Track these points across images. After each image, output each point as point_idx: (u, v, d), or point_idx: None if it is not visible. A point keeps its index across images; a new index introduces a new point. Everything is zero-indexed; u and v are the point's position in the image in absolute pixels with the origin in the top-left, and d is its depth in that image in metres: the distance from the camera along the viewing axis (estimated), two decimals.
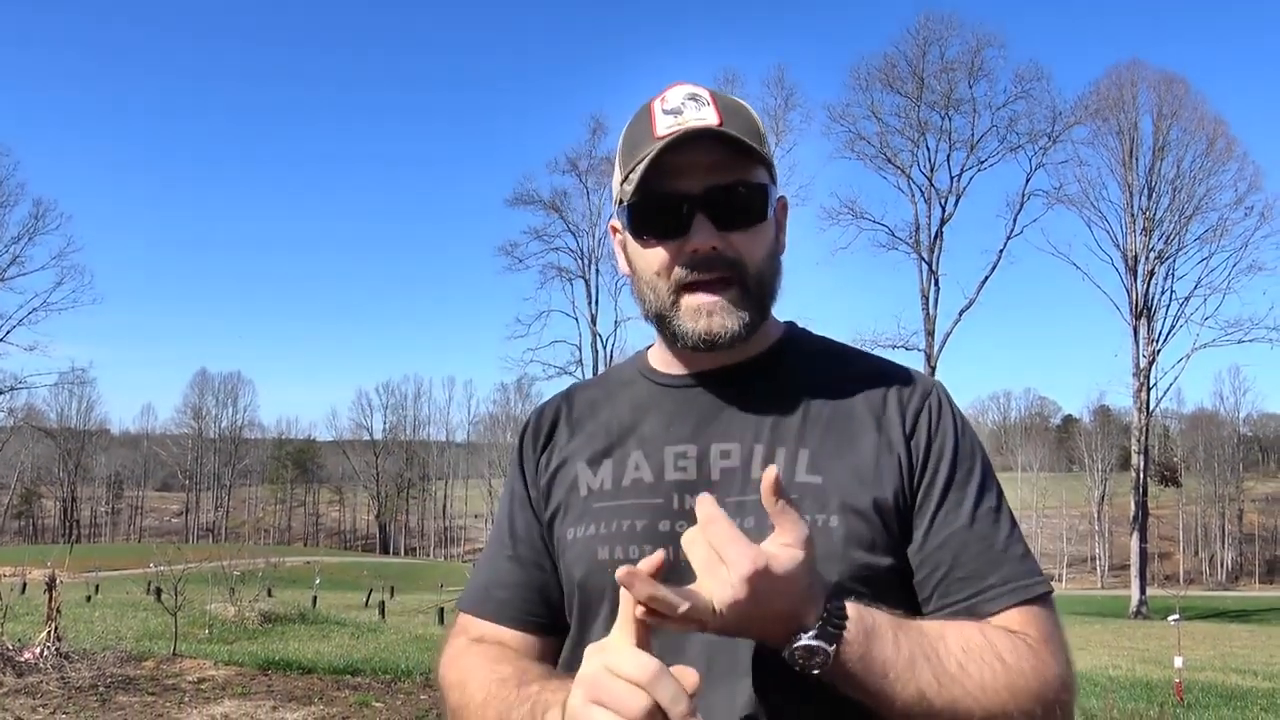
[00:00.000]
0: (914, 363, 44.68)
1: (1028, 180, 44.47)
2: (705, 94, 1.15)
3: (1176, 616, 11.97)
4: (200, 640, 12.10)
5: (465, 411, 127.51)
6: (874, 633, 0.96)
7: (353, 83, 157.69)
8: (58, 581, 10.23)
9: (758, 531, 0.97)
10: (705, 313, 1.13)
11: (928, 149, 45.80)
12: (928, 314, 44.67)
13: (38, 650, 8.91)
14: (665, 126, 1.12)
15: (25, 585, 24.60)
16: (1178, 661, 10.10)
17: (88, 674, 8.34)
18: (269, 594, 18.54)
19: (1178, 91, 43.97)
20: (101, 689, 7.93)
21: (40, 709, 7.14)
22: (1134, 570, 43.11)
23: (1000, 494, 1.16)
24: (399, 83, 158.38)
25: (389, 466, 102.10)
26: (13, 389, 65.09)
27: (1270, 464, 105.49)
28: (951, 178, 45.42)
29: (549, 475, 1.25)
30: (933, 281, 44.75)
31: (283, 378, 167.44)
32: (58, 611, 9.64)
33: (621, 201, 1.17)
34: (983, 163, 45.24)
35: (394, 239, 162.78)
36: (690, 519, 0.98)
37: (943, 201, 45.38)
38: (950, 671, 0.98)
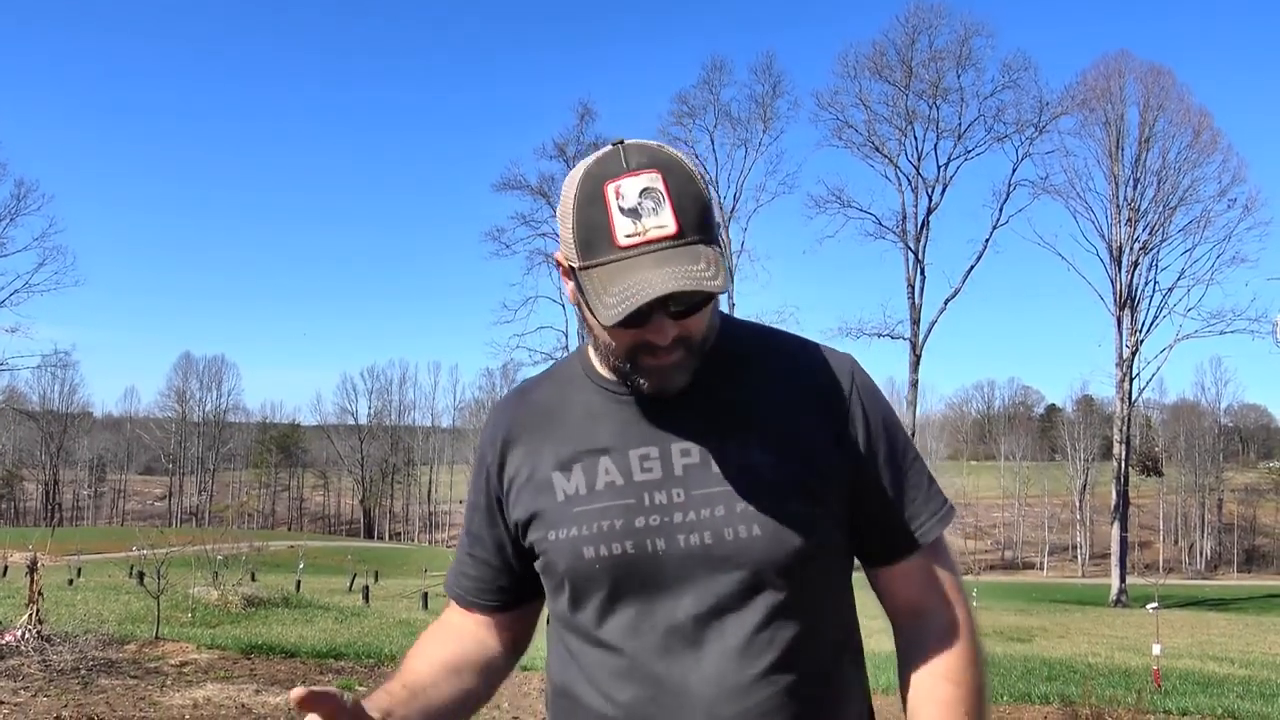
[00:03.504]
0: (901, 351, 44.84)
1: (1014, 170, 44.65)
2: (659, 185, 1.14)
3: (1155, 605, 12.08)
4: (183, 624, 12.08)
5: (451, 397, 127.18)
6: None
7: (339, 66, 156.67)
8: (39, 565, 10.19)
9: (725, 520, 1.20)
10: (659, 375, 1.22)
11: (915, 138, 45.88)
12: (913, 303, 44.83)
13: (19, 633, 8.88)
14: (624, 233, 1.14)
15: (6, 568, 24.51)
16: (1156, 649, 10.21)
17: (69, 657, 8.31)
18: (252, 578, 18.52)
19: (1164, 83, 44.19)
20: (83, 672, 7.91)
21: (21, 691, 7.12)
22: (1114, 559, 43.52)
23: (915, 450, 1.35)
24: (385, 67, 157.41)
25: (374, 451, 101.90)
26: None
27: (1250, 455, 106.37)
28: (938, 167, 45.54)
29: (517, 482, 1.34)
30: (919, 270, 44.90)
31: (267, 362, 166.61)
32: (39, 594, 9.60)
33: (572, 267, 1.22)
34: (969, 152, 45.38)
35: (380, 224, 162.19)
36: (662, 513, 1.21)
37: (929, 191, 45.50)
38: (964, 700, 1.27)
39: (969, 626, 1.32)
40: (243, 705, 6.94)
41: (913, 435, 47.10)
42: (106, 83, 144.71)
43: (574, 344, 57.59)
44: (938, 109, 45.21)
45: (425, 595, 21.12)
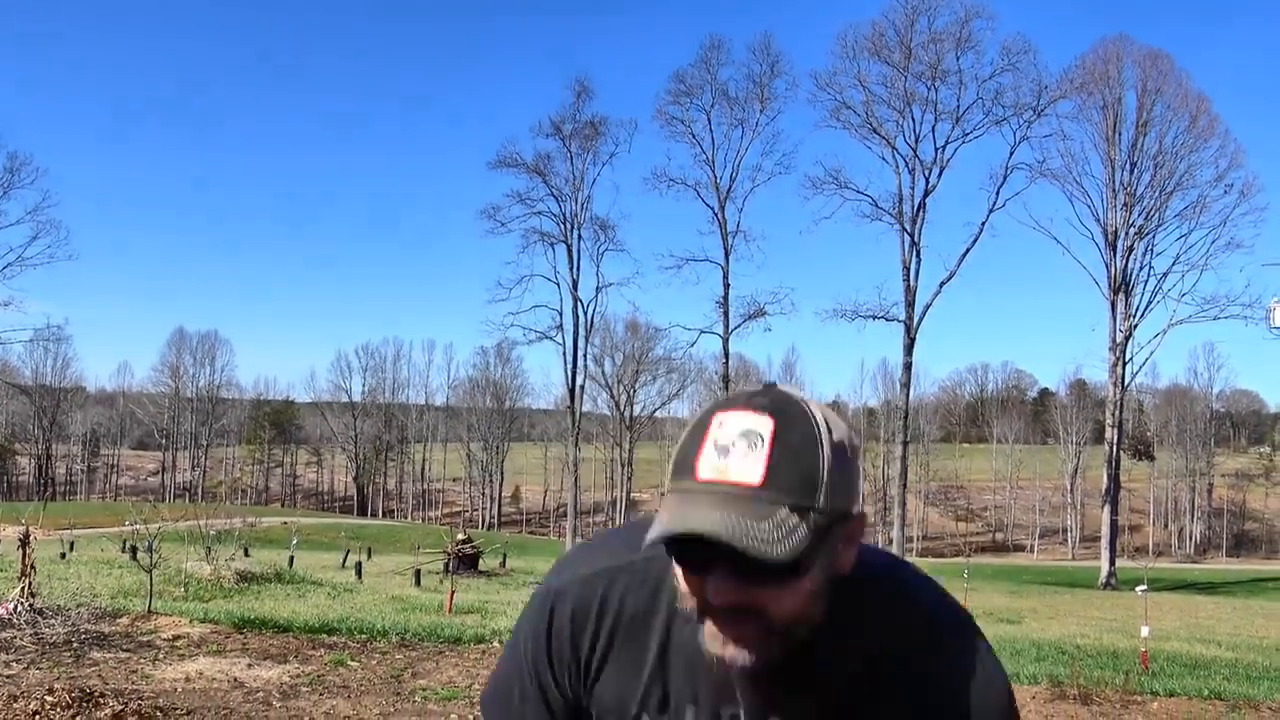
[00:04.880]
0: (895, 333, 44.79)
1: (1011, 153, 44.48)
2: (766, 432, 1.03)
3: (1144, 588, 12.15)
4: (176, 598, 12.10)
5: (445, 375, 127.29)
6: None
7: (332, 38, 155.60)
8: (32, 538, 10.20)
9: None
10: (720, 643, 1.07)
11: (913, 120, 45.68)
12: (909, 285, 44.79)
13: (11, 606, 8.90)
14: (706, 467, 1.03)
15: None
16: (1144, 631, 10.27)
17: (62, 630, 8.33)
18: (245, 553, 18.56)
19: (1162, 67, 44.05)
20: (76, 645, 7.93)
21: (14, 664, 7.13)
22: (1104, 542, 43.74)
23: None
24: (380, 42, 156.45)
25: (367, 429, 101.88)
26: None
27: (1241, 440, 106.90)
28: (936, 149, 45.37)
29: (597, 699, 1.23)
30: (914, 253, 44.83)
31: (261, 338, 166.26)
32: (32, 568, 9.62)
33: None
34: (967, 135, 45.19)
35: (375, 201, 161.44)
36: None
37: (926, 173, 45.36)
38: None
39: None
40: (235, 679, 6.95)
41: (906, 417, 47.42)
42: (100, 59, 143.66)
43: (569, 322, 57.57)
44: (936, 91, 45.04)
45: (418, 572, 21.17)
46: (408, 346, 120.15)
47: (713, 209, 55.69)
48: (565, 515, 64.63)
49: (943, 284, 44.73)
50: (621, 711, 1.20)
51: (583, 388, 61.77)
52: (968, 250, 44.40)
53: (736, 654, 1.06)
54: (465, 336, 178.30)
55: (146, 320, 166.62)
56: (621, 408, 74.56)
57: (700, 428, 1.06)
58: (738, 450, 1.02)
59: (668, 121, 56.92)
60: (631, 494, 78.82)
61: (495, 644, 8.68)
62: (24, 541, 10.12)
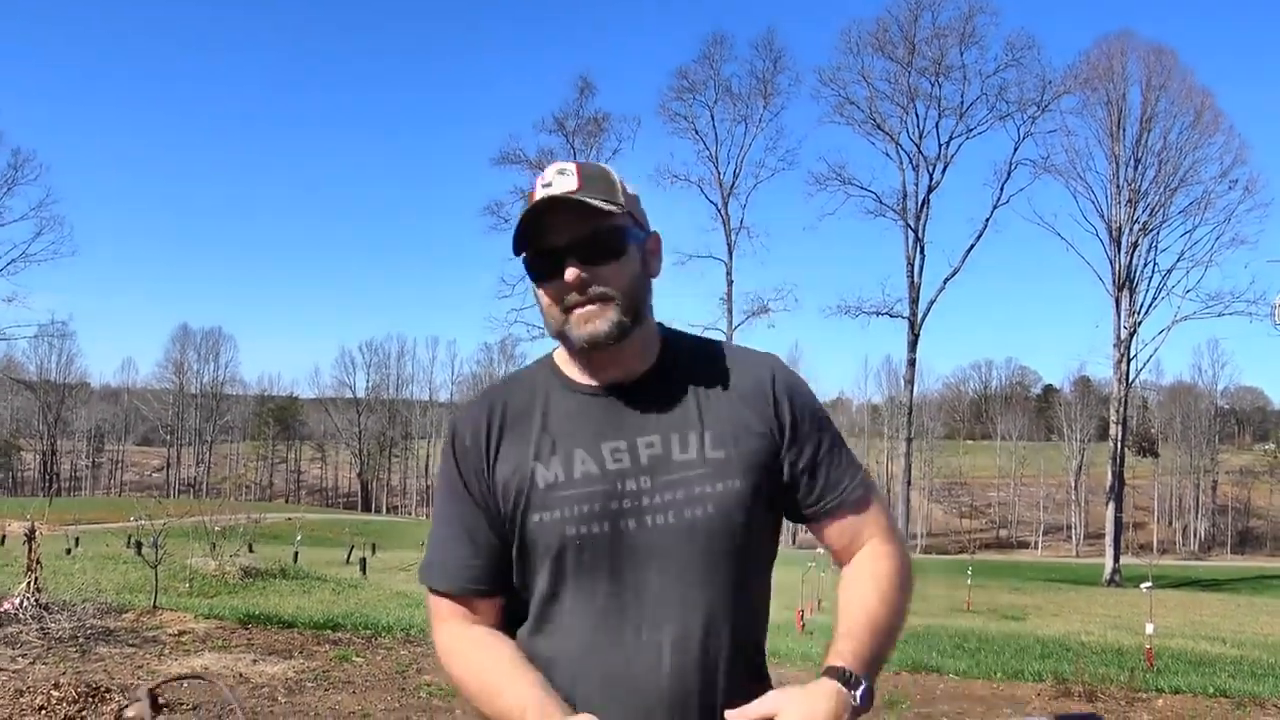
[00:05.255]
0: (899, 330, 44.79)
1: (1015, 149, 44.52)
2: (572, 167, 1.46)
3: (1149, 585, 12.13)
4: (181, 594, 12.13)
5: (449, 371, 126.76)
6: (871, 666, 1.45)
7: (335, 37, 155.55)
8: (37, 533, 10.21)
9: (685, 501, 1.44)
10: (584, 320, 1.46)
11: (917, 115, 45.71)
12: (912, 281, 44.79)
13: (17, 601, 8.91)
14: (540, 190, 1.46)
15: (4, 538, 24.56)
16: (1149, 628, 10.25)
17: (68, 625, 8.34)
18: (250, 549, 18.57)
19: (1167, 63, 43.99)
20: (81, 640, 7.94)
21: (20, 659, 7.15)
22: (1109, 539, 43.69)
23: (835, 430, 1.61)
24: (384, 39, 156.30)
25: (371, 425, 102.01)
26: None
27: (1245, 437, 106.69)
28: (940, 145, 45.39)
29: (505, 477, 1.50)
30: (918, 249, 44.85)
31: (265, 334, 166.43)
32: (37, 563, 9.63)
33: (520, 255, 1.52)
34: (971, 130, 45.22)
35: (378, 197, 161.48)
36: (632, 498, 1.45)
37: (930, 169, 45.38)
38: (888, 627, 1.51)
39: (901, 557, 1.59)
40: (240, 674, 6.97)
41: (910, 414, 47.35)
42: (104, 55, 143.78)
43: None
44: (940, 86, 45.04)
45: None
46: (411, 343, 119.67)
47: (716, 205, 55.64)
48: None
49: (946, 280, 44.77)
50: (520, 469, 1.49)
51: None
52: (971, 246, 44.45)
53: (598, 326, 1.45)
54: (469, 333, 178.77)
55: (151, 316, 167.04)
56: None
57: (530, 192, 1.50)
58: (556, 181, 1.46)
59: (671, 117, 56.90)
60: None
61: None
62: (30, 537, 10.12)
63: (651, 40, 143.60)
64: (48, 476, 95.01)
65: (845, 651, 1.44)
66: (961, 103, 44.77)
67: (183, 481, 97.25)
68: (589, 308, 1.45)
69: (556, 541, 1.45)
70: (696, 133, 55.98)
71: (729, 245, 54.59)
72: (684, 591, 1.44)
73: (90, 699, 5.73)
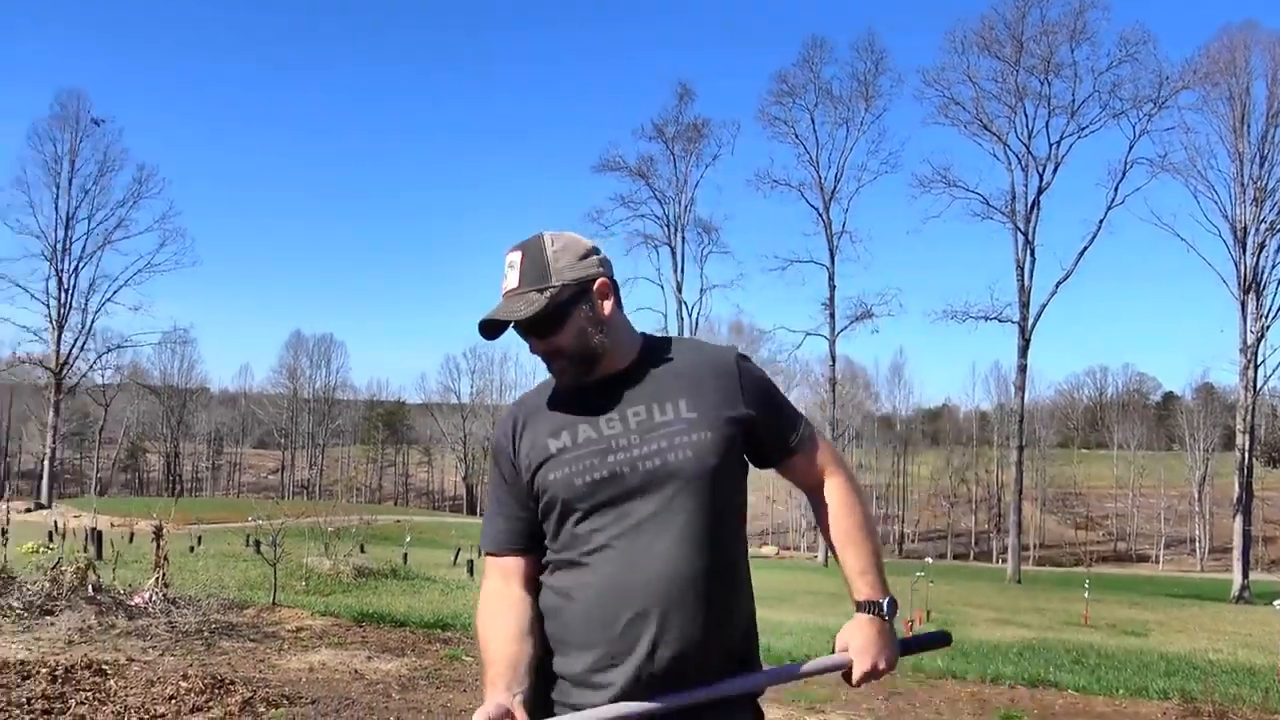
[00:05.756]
0: (1008, 335, 43.48)
1: (1131, 148, 42.82)
2: (516, 260, 1.92)
3: None
4: (297, 591, 12.49)
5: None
6: (874, 590, 1.96)
7: (438, 46, 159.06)
8: (165, 532, 10.65)
9: (667, 449, 1.84)
10: (557, 374, 1.96)
11: (1025, 115, 44.35)
12: (1022, 285, 43.49)
13: (147, 595, 9.30)
14: (502, 285, 1.94)
15: (133, 535, 25.73)
16: None
17: (193, 619, 8.67)
18: (361, 550, 19.04)
19: None
20: (206, 634, 8.25)
21: (150, 650, 7.46)
22: (1236, 553, 41.56)
23: (782, 394, 2.07)
24: (487, 50, 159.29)
25: (475, 429, 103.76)
26: (119, 347, 67.74)
27: None
28: (1050, 145, 43.96)
29: (525, 450, 1.94)
30: (1028, 252, 43.53)
31: (373, 341, 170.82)
32: (165, 559, 10.04)
33: None
34: (1083, 129, 43.66)
35: (481, 205, 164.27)
36: (624, 450, 1.85)
37: (1040, 169, 43.98)
38: (875, 546, 2.02)
39: (848, 479, 2.07)
40: (355, 670, 7.13)
41: (1021, 422, 46.00)
42: (220, 67, 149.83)
43: (673, 326, 57.62)
44: (1050, 85, 43.64)
45: None
46: (515, 349, 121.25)
47: (817, 210, 55.07)
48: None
49: (1059, 284, 43.33)
50: (536, 443, 1.93)
51: None
52: (1085, 248, 42.94)
53: (564, 379, 1.94)
54: None
55: (266, 324, 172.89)
56: None
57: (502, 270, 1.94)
58: (508, 274, 1.92)
59: (770, 122, 56.52)
60: None
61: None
62: (157, 534, 10.57)
63: (751, 43, 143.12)
64: (171, 477, 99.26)
65: (863, 586, 1.95)
66: (1073, 101, 43.32)
67: (297, 483, 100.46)
68: (555, 365, 1.94)
69: (565, 489, 1.86)
70: (796, 137, 55.46)
71: (831, 250, 53.93)
72: (671, 517, 1.82)
73: (216, 690, 5.93)
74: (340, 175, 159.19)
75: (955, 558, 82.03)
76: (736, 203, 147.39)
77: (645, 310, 58.54)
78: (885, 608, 1.92)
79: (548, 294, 1.87)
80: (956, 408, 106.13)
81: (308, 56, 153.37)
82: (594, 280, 1.92)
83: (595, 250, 1.95)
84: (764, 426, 1.98)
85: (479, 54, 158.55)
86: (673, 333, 57.54)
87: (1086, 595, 21.10)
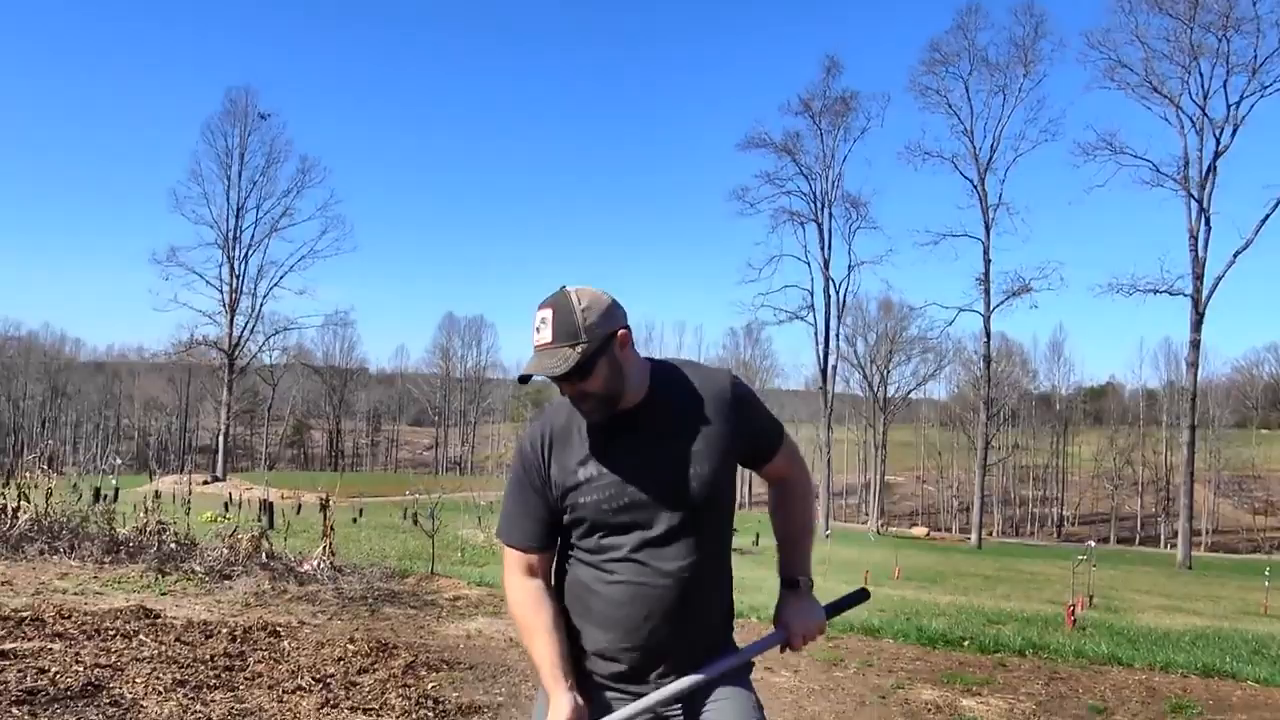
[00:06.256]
0: (1180, 309, 41.36)
1: None
2: (549, 318, 2.13)
3: None
4: (454, 562, 12.92)
5: (695, 355, 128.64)
6: (804, 572, 2.42)
7: (579, 27, 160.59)
8: (330, 504, 11.16)
9: (675, 481, 2.19)
10: (586, 412, 2.20)
11: (1200, 75, 41.81)
12: (1196, 256, 41.05)
13: (315, 563, 9.77)
14: (533, 338, 2.16)
15: (300, 506, 27.13)
16: None
17: (358, 586, 9.06)
18: None
19: None
20: (370, 600, 8.60)
21: (319, 614, 7.82)
22: None
23: (765, 410, 2.37)
24: (631, 29, 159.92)
25: None
26: (285, 329, 71.67)
27: None
28: (1228, 106, 41.32)
29: (555, 472, 2.24)
30: (1203, 220, 41.04)
31: (522, 321, 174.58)
32: (331, 530, 10.52)
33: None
34: (1266, 88, 40.83)
35: (624, 185, 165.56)
36: (641, 481, 2.19)
37: (1217, 132, 41.38)
38: (811, 530, 2.51)
39: (805, 479, 2.51)
40: (510, 639, 7.29)
41: (1193, 400, 43.55)
42: (372, 63, 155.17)
43: (819, 303, 56.86)
44: (1228, 42, 40.95)
45: None
46: (659, 328, 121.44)
47: (972, 181, 53.34)
48: (818, 496, 63.99)
49: (1237, 254, 40.74)
50: (566, 470, 2.22)
51: (834, 368, 60.92)
52: (1267, 216, 40.17)
53: (592, 417, 2.20)
54: (715, 318, 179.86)
55: (420, 306, 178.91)
56: (875, 388, 72.80)
57: (532, 323, 2.16)
58: (541, 329, 2.13)
59: (922, 92, 55.03)
60: (886, 476, 76.86)
61: (754, 619, 8.66)
62: (324, 506, 11.08)
63: (900, 14, 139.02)
64: (333, 453, 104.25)
65: (794, 568, 2.42)
66: (1254, 58, 40.55)
67: (449, 459, 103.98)
68: (584, 406, 2.20)
69: (593, 514, 2.20)
70: (950, 107, 53.85)
71: (986, 223, 52.21)
72: (679, 535, 2.19)
73: (380, 653, 6.17)
74: (490, 160, 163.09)
75: (1119, 542, 78.40)
76: (886, 177, 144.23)
77: (792, 288, 57.92)
78: (805, 582, 2.39)
79: (579, 349, 2.11)
80: (1122, 386, 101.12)
81: (456, 44, 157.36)
82: (616, 332, 2.18)
83: (615, 304, 2.19)
84: (751, 444, 2.36)
85: (622, 34, 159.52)
86: (819, 310, 56.86)
87: (1267, 583, 19.87)
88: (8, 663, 5.17)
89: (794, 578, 2.40)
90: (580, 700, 2.12)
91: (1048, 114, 61.81)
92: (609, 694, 2.25)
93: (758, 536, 29.10)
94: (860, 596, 2.50)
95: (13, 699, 4.43)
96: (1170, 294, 41.89)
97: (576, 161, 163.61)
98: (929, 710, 5.76)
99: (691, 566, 2.21)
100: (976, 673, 6.91)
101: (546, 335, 2.13)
